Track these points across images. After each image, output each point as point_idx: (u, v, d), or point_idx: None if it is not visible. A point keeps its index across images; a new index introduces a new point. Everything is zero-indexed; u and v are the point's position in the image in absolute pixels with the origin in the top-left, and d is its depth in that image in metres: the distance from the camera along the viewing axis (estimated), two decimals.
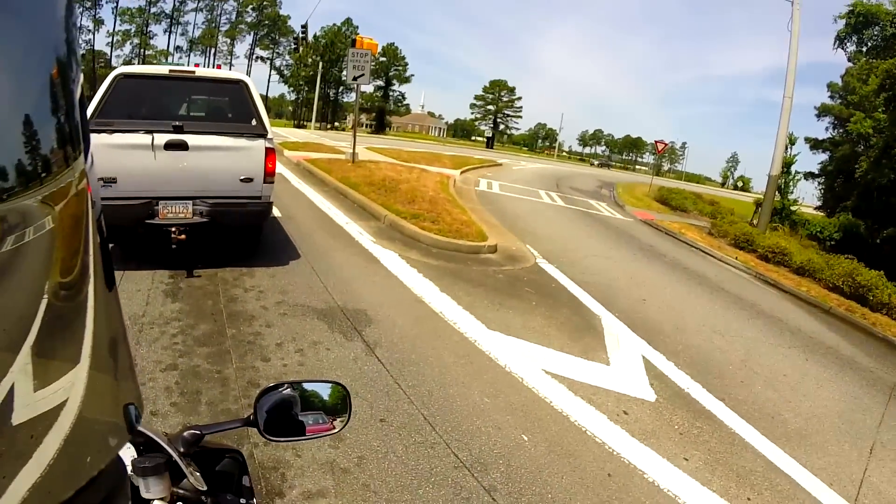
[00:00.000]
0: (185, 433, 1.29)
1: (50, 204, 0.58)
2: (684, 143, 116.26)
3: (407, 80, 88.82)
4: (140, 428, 1.18)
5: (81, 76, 0.66)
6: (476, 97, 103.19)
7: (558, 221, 14.97)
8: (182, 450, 1.25)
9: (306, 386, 1.53)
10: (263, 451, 3.56)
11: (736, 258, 13.73)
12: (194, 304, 5.81)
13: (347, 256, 8.15)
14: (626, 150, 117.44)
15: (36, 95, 0.57)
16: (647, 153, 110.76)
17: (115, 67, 6.95)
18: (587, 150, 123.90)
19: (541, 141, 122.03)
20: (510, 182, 23.80)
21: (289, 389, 1.49)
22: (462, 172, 23.22)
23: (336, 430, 1.53)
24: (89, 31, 78.67)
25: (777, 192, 19.30)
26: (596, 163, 78.00)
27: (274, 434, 1.44)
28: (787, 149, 20.33)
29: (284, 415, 1.46)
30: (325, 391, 1.56)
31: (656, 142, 35.86)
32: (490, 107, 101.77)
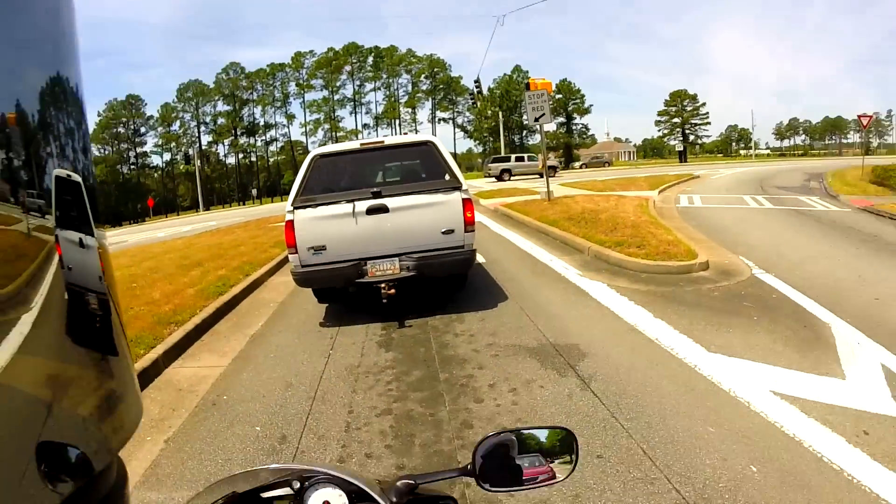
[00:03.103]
0: (398, 483, 1.24)
1: None
2: (890, 111, 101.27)
3: (587, 111, 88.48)
4: (351, 478, 1.19)
5: (72, 171, 0.71)
6: (659, 112, 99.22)
7: (769, 226, 13.53)
8: (395, 500, 1.21)
9: (528, 431, 1.39)
10: (476, 492, 3.43)
11: None
12: (407, 352, 5.98)
13: (555, 292, 8.00)
14: (826, 133, 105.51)
15: None
16: (852, 132, 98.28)
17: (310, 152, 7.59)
18: (785, 142, 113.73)
19: (735, 144, 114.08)
20: (711, 193, 22.38)
21: (507, 435, 1.37)
22: (660, 192, 22.24)
23: (559, 479, 1.35)
24: (284, 125, 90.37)
25: None
26: None
27: (490, 482, 1.32)
28: None
29: (501, 461, 1.34)
30: (546, 436, 1.39)
31: (859, 116, 31.34)
32: (675, 119, 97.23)
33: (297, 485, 1.18)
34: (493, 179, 41.56)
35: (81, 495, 0.67)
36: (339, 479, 1.19)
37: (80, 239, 0.72)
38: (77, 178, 0.72)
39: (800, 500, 3.35)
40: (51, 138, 0.68)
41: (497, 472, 1.32)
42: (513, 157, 49.66)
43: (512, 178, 41.25)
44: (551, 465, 1.35)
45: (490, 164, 46.11)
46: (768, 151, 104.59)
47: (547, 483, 1.36)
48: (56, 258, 0.66)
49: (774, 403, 4.49)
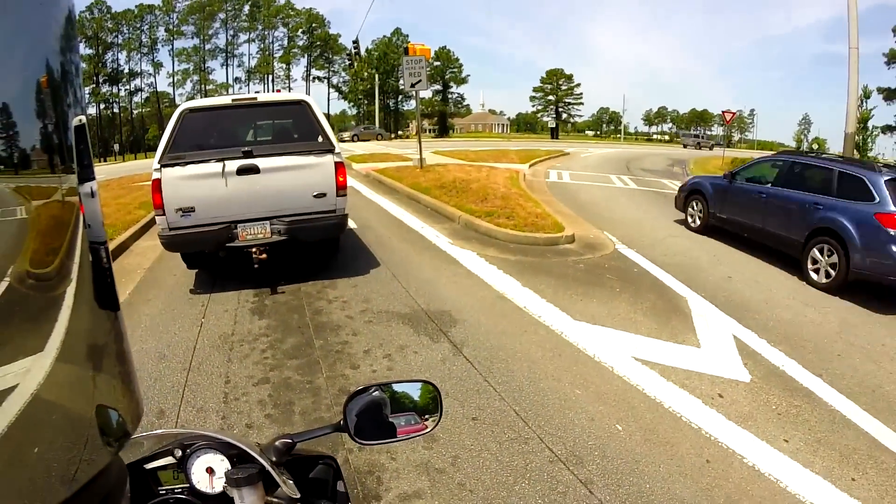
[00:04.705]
0: (276, 442, 1.30)
1: (25, 196, 0.60)
2: (752, 111, 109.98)
3: (464, 80, 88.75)
4: (231, 440, 1.24)
5: (82, 113, 0.70)
6: (535, 89, 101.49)
7: (633, 205, 14.62)
8: (274, 459, 1.26)
9: (395, 387, 1.51)
10: (358, 456, 3.64)
11: None
12: (280, 319, 6.03)
13: (426, 260, 8.27)
14: (692, 124, 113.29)
15: (18, 91, 0.59)
16: (716, 125, 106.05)
17: (178, 105, 7.23)
18: (653, 129, 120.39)
19: (605, 125, 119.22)
20: (580, 170, 23.49)
21: (378, 392, 1.47)
22: (531, 166, 23.00)
23: (428, 430, 1.50)
24: (150, 74, 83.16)
25: (856, 150, 18.12)
26: (688, 144, 59.93)
27: (365, 438, 1.42)
28: (861, 103, 18.79)
29: (375, 417, 1.44)
30: (414, 391, 1.52)
31: (724, 112, 34.22)
32: (550, 97, 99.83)
33: (179, 452, 1.23)
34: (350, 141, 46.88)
35: (81, 495, 0.68)
36: (220, 443, 1.24)
37: (91, 189, 0.71)
38: (84, 119, 0.70)
39: (663, 455, 3.86)
40: (69, 88, 0.67)
41: (371, 426, 1.43)
42: (361, 126, 59.65)
43: (359, 140, 48.56)
44: (424, 420, 1.50)
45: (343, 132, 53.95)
46: (636, 136, 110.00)
47: (419, 433, 1.51)
48: (81, 219, 0.67)
49: (636, 368, 5.07)
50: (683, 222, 11.42)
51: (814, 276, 8.00)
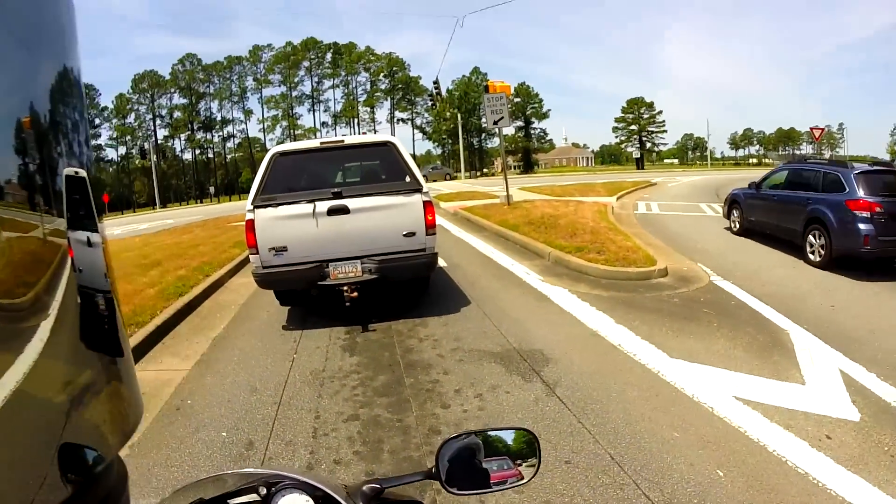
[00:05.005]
0: (364, 487, 1.25)
1: None
2: (841, 125, 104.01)
3: (545, 115, 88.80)
4: (317, 483, 1.19)
5: (80, 167, 0.71)
6: (616, 119, 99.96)
7: (725, 234, 13.91)
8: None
9: (490, 434, 1.43)
10: (447, 498, 3.47)
11: None
12: (371, 356, 5.99)
13: (517, 297, 8.10)
14: (779, 144, 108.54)
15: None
16: (805, 143, 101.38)
17: (269, 149, 7.52)
18: (740, 152, 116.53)
19: (690, 152, 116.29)
20: (668, 200, 22.83)
21: (472, 438, 1.39)
22: (618, 198, 22.58)
23: (525, 480, 1.39)
24: (241, 121, 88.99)
25: None
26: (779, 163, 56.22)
27: (458, 486, 1.34)
28: None
29: (468, 465, 1.36)
30: (510, 438, 1.43)
31: (812, 129, 32.42)
32: (632, 126, 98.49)
33: (263, 490, 1.18)
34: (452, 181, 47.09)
35: (81, 495, 0.68)
36: (305, 485, 1.19)
37: (88, 238, 0.73)
38: (83, 173, 0.72)
39: (767, 503, 3.48)
40: (60, 137, 0.68)
41: (463, 474, 1.34)
42: (429, 167, 62.33)
43: (428, 181, 49.95)
44: (518, 467, 1.38)
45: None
46: (722, 161, 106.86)
47: (514, 485, 1.39)
48: (69, 262, 0.67)
49: (737, 408, 4.66)
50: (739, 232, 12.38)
51: (811, 256, 9.99)
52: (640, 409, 4.68)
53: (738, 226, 13.29)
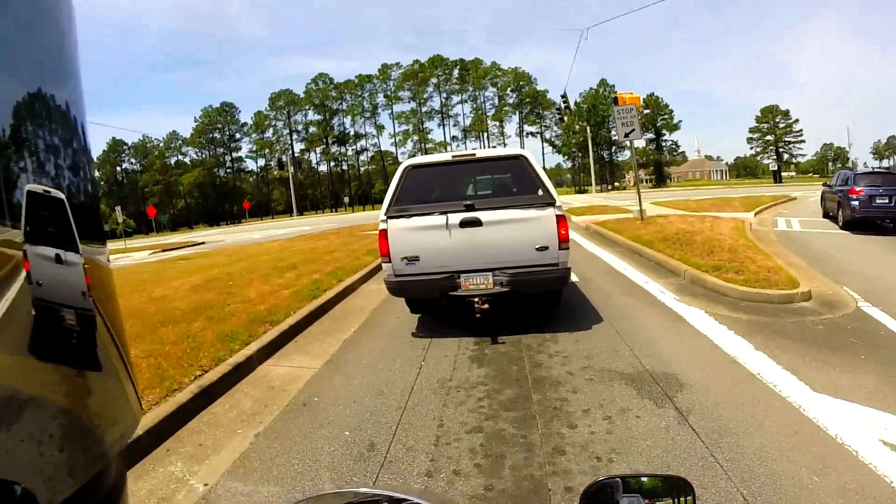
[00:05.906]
0: None
1: None
2: None
3: (676, 127, 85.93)
4: None
5: (52, 186, 0.73)
6: (750, 129, 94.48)
7: (874, 253, 12.61)
8: None
9: (641, 479, 1.26)
10: None
11: None
12: (499, 369, 5.93)
13: (650, 316, 7.77)
14: None
15: None
16: None
17: (401, 162, 7.70)
18: (885, 162, 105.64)
19: (831, 164, 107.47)
20: (810, 216, 21.15)
21: (618, 481, 1.22)
22: (756, 213, 21.38)
23: None
24: (373, 136, 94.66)
25: None
26: None
27: None
28: None
29: None
30: (662, 487, 1.26)
31: None
32: (768, 137, 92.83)
33: None
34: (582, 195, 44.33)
35: (79, 497, 0.69)
36: None
37: (58, 255, 0.73)
38: (59, 194, 0.74)
39: None
40: (26, 154, 0.69)
41: None
42: None
43: None
44: None
45: None
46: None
47: None
48: (23, 273, 0.68)
49: (884, 455, 4.13)
50: None
51: (839, 220, 17.00)
52: (777, 447, 4.27)
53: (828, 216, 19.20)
